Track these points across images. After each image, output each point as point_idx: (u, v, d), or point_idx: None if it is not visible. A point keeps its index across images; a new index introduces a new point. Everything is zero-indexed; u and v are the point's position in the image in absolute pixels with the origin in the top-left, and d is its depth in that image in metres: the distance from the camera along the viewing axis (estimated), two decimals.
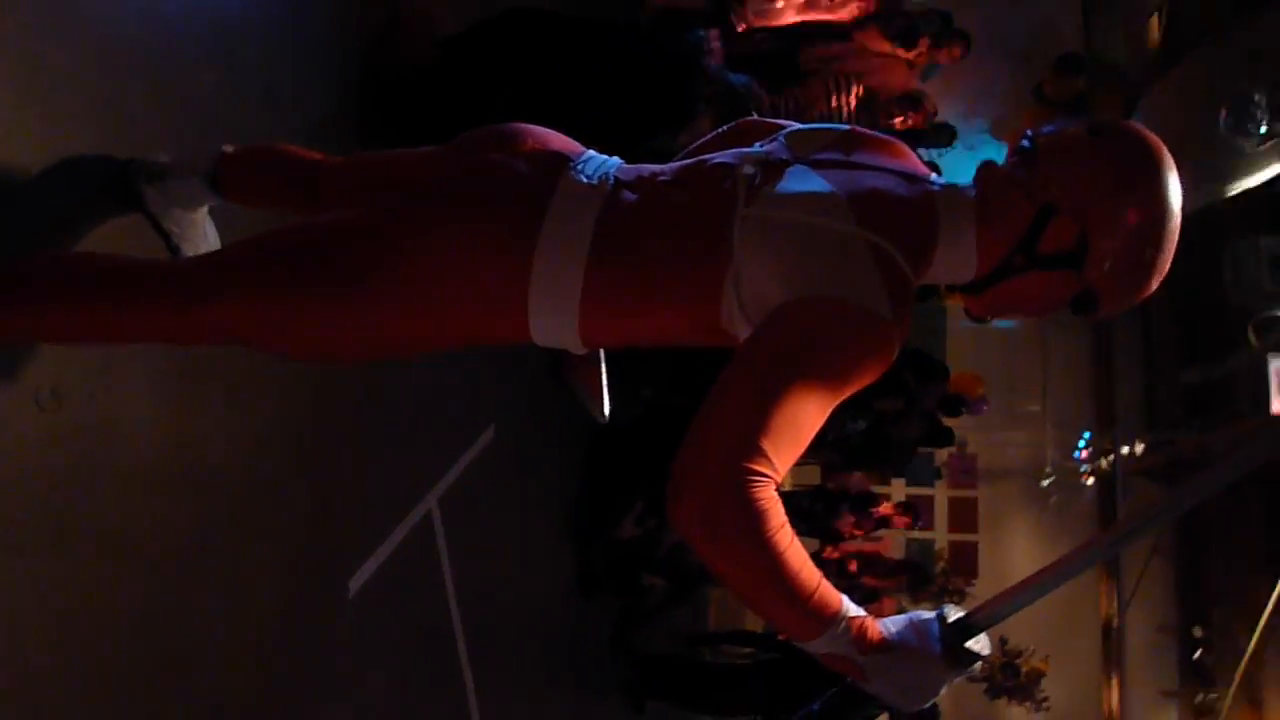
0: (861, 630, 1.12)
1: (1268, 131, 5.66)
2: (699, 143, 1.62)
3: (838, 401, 1.17)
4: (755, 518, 1.06)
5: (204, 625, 1.92)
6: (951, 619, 1.16)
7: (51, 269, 1.36)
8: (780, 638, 5.02)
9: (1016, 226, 1.29)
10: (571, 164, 1.35)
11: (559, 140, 1.42)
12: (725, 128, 1.66)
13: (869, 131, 1.42)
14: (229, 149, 1.69)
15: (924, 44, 4.97)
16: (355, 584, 2.49)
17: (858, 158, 1.35)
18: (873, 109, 4.79)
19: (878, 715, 1.23)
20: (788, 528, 1.09)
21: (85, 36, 1.61)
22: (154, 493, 1.77)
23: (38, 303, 1.34)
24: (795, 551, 1.08)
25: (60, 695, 1.56)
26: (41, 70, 1.51)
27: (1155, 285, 1.30)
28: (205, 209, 1.76)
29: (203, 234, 1.78)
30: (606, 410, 1.59)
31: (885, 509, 6.81)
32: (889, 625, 1.15)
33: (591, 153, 1.42)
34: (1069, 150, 1.28)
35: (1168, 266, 1.28)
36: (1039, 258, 1.28)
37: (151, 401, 1.77)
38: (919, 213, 1.31)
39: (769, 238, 1.24)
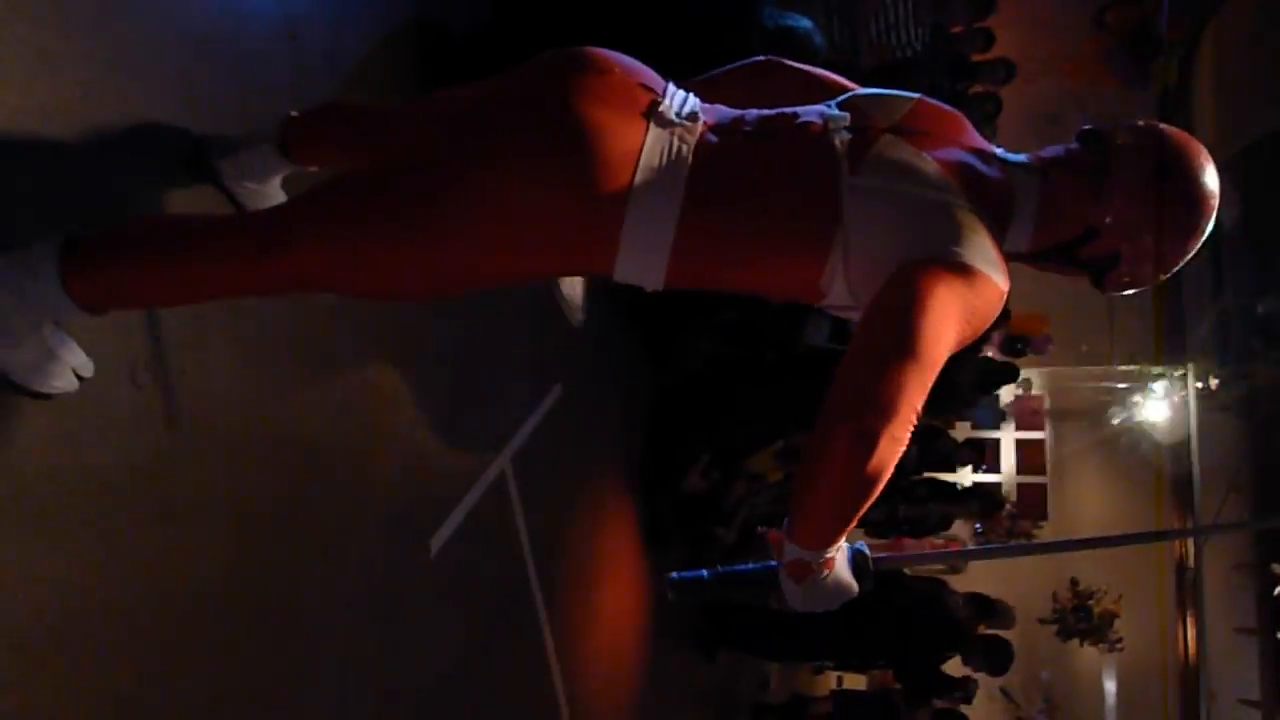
0: (832, 556, 1.31)
1: None
2: (714, 75, 1.60)
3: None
4: (887, 469, 1.18)
5: (293, 588, 1.98)
6: (870, 555, 1.40)
7: (126, 231, 1.36)
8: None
9: (1065, 234, 1.43)
10: (659, 100, 1.32)
11: (645, 73, 1.37)
12: (745, 64, 1.64)
13: (934, 102, 1.45)
14: (294, 113, 1.69)
15: None
16: (436, 543, 2.55)
17: (931, 130, 1.38)
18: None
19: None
20: None
21: (154, 11, 1.62)
22: (245, 462, 1.82)
23: (116, 265, 1.33)
24: None
25: (157, 654, 1.62)
26: (111, 44, 1.53)
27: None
28: (278, 180, 1.78)
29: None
30: (581, 318, 1.77)
31: None
32: (839, 556, 1.33)
33: (671, 86, 1.39)
34: (1137, 192, 1.39)
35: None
36: (1074, 259, 1.45)
37: (240, 374, 1.81)
38: (1000, 192, 1.39)
39: (880, 206, 1.29)
